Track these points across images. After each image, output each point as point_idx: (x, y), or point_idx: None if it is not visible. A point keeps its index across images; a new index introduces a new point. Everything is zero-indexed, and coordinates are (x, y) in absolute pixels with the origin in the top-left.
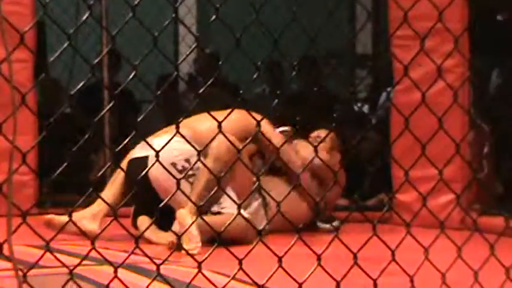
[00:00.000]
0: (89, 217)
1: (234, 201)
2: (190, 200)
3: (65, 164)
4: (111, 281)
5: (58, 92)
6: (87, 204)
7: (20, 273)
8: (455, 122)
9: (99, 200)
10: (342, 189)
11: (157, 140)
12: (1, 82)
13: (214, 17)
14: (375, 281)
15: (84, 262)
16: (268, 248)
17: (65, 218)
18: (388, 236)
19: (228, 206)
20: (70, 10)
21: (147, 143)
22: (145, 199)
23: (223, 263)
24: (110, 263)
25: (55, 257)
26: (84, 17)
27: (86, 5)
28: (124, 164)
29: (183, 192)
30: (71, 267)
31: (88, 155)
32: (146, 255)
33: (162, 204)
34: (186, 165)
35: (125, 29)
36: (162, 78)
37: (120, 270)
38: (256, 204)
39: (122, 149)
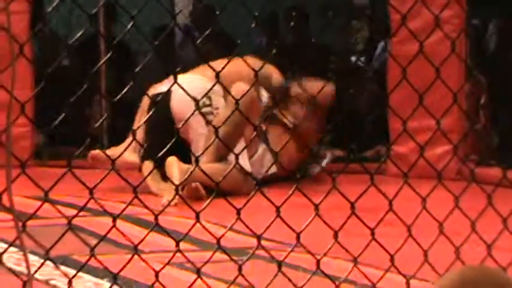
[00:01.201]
0: (128, 149)
1: (232, 151)
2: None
3: (63, 115)
4: (108, 231)
5: (55, 44)
6: (84, 155)
7: (19, 223)
8: (452, 73)
9: (130, 137)
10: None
11: (182, 76)
12: None
13: None
14: (372, 230)
15: (82, 213)
16: (267, 198)
17: (108, 152)
18: (384, 186)
19: (232, 157)
20: None
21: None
22: (163, 137)
23: (222, 214)
24: (109, 214)
25: (54, 207)
26: None
27: None
28: (145, 99)
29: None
30: (70, 218)
31: (84, 107)
32: (145, 206)
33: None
34: (207, 102)
35: None
36: (159, 29)
37: (118, 221)
38: (261, 149)
39: (118, 101)
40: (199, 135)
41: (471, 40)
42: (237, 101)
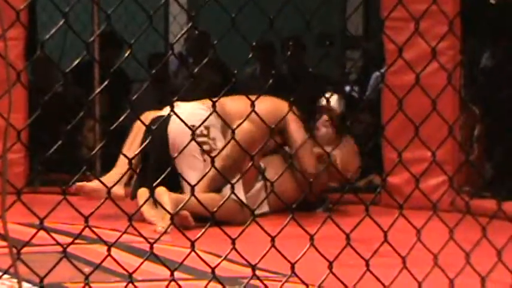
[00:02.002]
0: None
1: (229, 181)
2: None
3: (59, 143)
4: (103, 260)
5: (50, 70)
6: (79, 182)
7: (14, 250)
8: (446, 104)
9: (120, 163)
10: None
11: (184, 104)
12: None
13: None
14: (367, 261)
15: (76, 241)
16: (262, 228)
17: (93, 184)
18: (379, 217)
19: (227, 188)
20: None
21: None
22: (158, 163)
23: (216, 244)
24: (104, 242)
25: (49, 234)
26: None
27: None
28: (138, 123)
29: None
30: (65, 246)
31: (78, 134)
32: (140, 235)
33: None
34: (205, 131)
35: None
36: (154, 56)
37: (112, 249)
38: (258, 186)
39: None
40: (193, 161)
41: (465, 71)
42: (233, 132)
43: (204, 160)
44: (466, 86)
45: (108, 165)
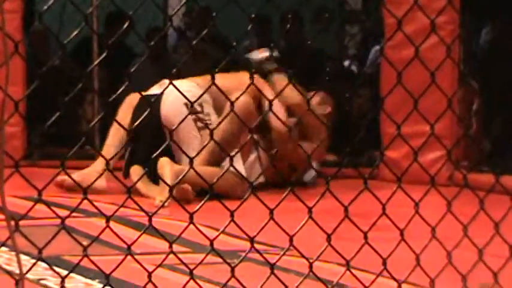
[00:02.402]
0: (96, 174)
1: (228, 154)
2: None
3: (57, 114)
4: (101, 232)
5: (48, 43)
6: (77, 156)
7: (12, 222)
8: (445, 78)
9: (104, 151)
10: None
11: (175, 82)
12: None
13: None
14: (365, 234)
15: (74, 214)
16: (260, 200)
17: (75, 178)
18: (377, 191)
19: (227, 162)
20: None
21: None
22: (150, 140)
23: (215, 217)
24: (103, 214)
25: (48, 206)
26: None
27: None
28: (130, 99)
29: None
30: (63, 218)
31: (75, 107)
32: (139, 206)
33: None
34: (199, 108)
35: None
36: (153, 30)
37: (111, 223)
38: (252, 158)
39: (111, 102)
40: (191, 137)
41: (464, 46)
42: (232, 105)
43: (201, 135)
44: (465, 60)
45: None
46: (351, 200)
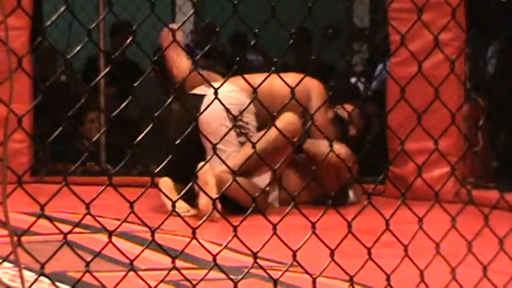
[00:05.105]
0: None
1: (269, 165)
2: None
3: (59, 130)
4: (104, 246)
5: (55, 60)
6: (82, 172)
7: (15, 238)
8: (451, 95)
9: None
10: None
11: (217, 85)
12: None
13: None
14: (369, 249)
15: (78, 230)
16: (264, 216)
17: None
18: (382, 208)
19: (257, 176)
20: None
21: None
22: (184, 145)
23: (218, 233)
24: (105, 229)
25: (50, 222)
26: None
27: None
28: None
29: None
30: (66, 233)
31: (82, 124)
32: (141, 221)
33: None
34: (239, 116)
35: None
36: (160, 49)
37: (114, 238)
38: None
39: (116, 118)
40: (226, 144)
41: (470, 63)
42: (274, 119)
43: (240, 143)
44: (471, 77)
45: (113, 156)
46: (354, 215)
